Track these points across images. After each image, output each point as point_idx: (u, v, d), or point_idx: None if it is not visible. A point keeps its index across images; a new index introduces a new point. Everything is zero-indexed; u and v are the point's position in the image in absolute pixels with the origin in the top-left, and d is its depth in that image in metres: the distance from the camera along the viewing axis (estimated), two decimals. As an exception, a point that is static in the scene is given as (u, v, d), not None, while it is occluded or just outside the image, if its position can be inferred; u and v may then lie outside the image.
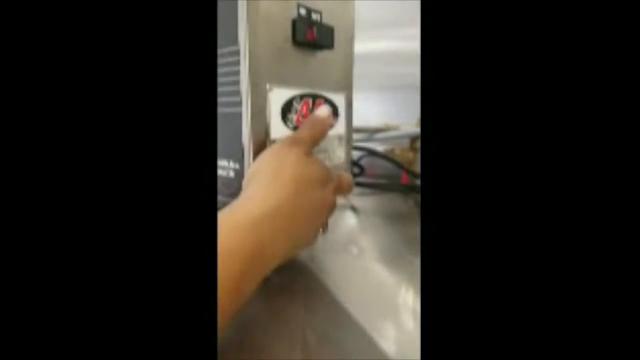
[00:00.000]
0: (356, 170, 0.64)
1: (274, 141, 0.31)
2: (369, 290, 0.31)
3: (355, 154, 0.65)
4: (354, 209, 0.58)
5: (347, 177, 0.34)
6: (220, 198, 0.32)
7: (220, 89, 0.30)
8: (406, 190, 0.62)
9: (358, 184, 0.66)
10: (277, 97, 0.31)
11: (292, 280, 0.32)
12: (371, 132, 0.65)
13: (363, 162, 0.66)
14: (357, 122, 0.78)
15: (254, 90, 0.28)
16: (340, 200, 0.62)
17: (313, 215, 0.28)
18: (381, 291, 0.31)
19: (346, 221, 0.52)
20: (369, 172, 0.67)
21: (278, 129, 0.32)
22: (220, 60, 0.29)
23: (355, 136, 0.68)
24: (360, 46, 0.79)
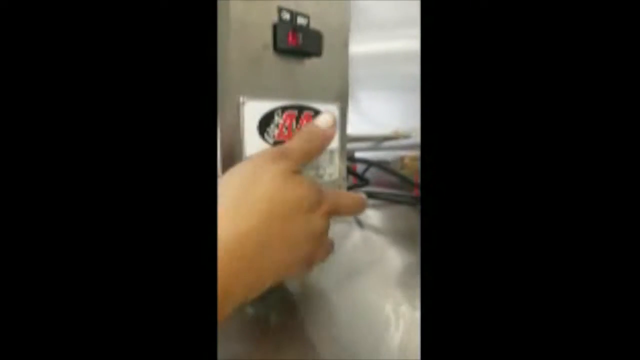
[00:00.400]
0: (361, 183, 0.60)
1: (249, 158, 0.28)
2: (355, 331, 0.28)
3: (361, 166, 0.61)
4: (359, 223, 0.54)
5: (348, 196, 0.30)
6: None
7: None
8: (418, 202, 0.57)
9: (368, 196, 0.62)
10: (253, 110, 0.28)
11: (269, 314, 0.29)
12: (379, 141, 0.61)
13: (371, 172, 0.62)
14: (367, 125, 0.74)
15: (222, 104, 0.26)
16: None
17: (294, 245, 0.23)
18: (368, 334, 0.27)
19: (350, 238, 0.48)
20: (378, 183, 0.63)
21: (255, 145, 0.29)
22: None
23: (362, 144, 0.64)
24: (373, 46, 0.75)
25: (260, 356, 0.24)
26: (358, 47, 0.72)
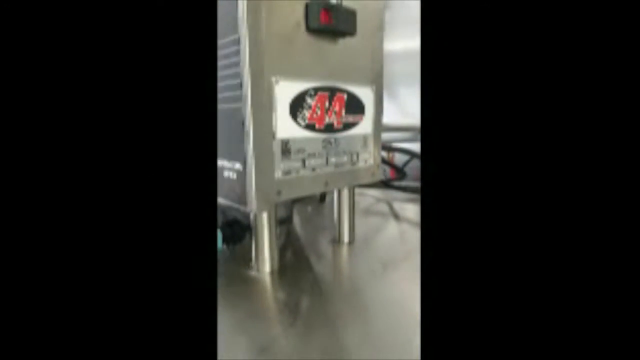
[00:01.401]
0: (399, 175, 0.58)
1: (281, 140, 0.28)
2: (384, 326, 0.26)
3: (402, 158, 0.59)
4: (396, 216, 0.53)
5: None
6: (222, 201, 0.30)
7: (222, 83, 0.27)
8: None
9: (404, 189, 0.60)
10: (285, 90, 0.28)
11: (299, 300, 0.28)
12: (417, 131, 0.59)
13: (412, 165, 0.60)
14: (405, 119, 0.72)
15: (255, 83, 0.26)
16: (383, 206, 0.57)
17: None
18: (397, 331, 0.26)
19: (386, 230, 0.47)
20: (416, 177, 0.61)
21: (287, 127, 0.28)
22: (220, 52, 0.27)
23: (400, 135, 0.62)
24: (410, 42, 0.73)
25: (286, 341, 0.24)
26: (396, 44, 0.71)
